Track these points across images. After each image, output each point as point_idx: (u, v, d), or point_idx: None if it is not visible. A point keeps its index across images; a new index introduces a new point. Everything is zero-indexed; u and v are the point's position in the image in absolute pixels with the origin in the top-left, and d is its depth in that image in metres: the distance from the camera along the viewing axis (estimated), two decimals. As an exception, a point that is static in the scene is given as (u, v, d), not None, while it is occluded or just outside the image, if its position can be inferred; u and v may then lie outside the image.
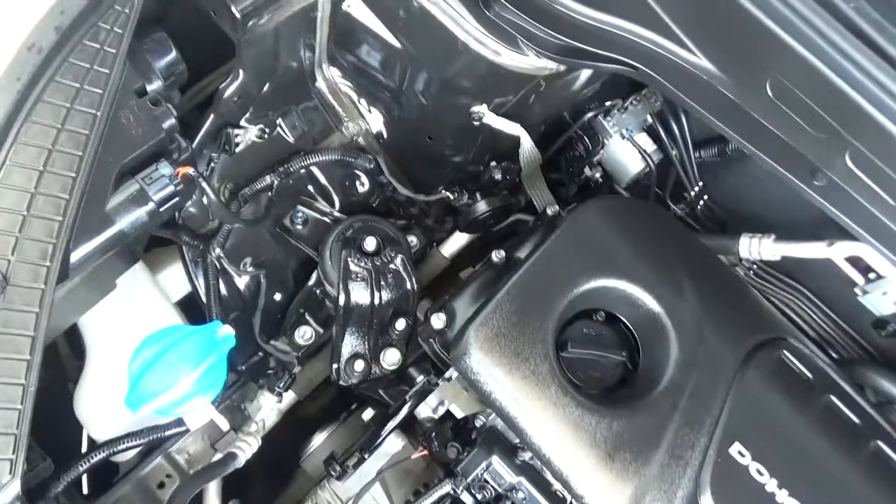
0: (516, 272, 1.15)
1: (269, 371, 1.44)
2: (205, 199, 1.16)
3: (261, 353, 1.51)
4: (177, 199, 1.05)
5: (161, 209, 1.03)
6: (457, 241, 1.66)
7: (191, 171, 1.07)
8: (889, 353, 1.56)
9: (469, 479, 1.13)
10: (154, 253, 1.47)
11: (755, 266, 1.62)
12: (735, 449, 1.09)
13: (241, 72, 1.28)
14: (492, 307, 1.12)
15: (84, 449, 1.35)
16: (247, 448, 1.32)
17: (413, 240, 1.52)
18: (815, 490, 1.09)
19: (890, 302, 1.45)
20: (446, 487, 1.13)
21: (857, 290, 1.50)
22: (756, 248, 1.51)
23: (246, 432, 1.36)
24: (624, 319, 1.21)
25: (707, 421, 1.10)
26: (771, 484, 1.08)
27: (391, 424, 1.25)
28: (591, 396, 1.12)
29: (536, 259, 1.17)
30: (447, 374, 1.22)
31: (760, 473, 1.08)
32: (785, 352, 1.20)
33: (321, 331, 1.48)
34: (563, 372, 1.12)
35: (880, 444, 1.18)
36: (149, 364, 0.95)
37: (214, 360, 0.98)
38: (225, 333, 1.02)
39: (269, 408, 1.42)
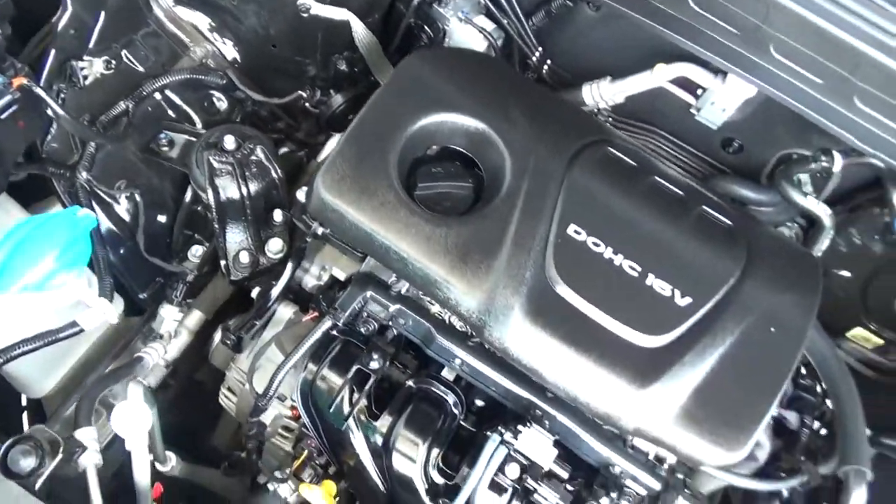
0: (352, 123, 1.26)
1: (164, 284, 1.52)
2: (50, 112, 1.23)
3: (159, 279, 1.60)
4: (15, 107, 1.12)
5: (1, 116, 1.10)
6: (330, 148, 1.76)
7: (25, 80, 1.14)
8: (739, 167, 1.72)
9: (347, 313, 1.23)
10: (32, 207, 1.53)
11: (610, 118, 1.76)
12: (572, 229, 1.22)
13: (68, 2, 1.35)
14: (333, 156, 1.23)
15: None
16: (153, 353, 1.40)
17: (284, 149, 1.62)
18: (647, 250, 1.22)
19: (719, 111, 1.61)
20: (327, 323, 1.23)
21: (693, 112, 1.66)
22: (597, 92, 1.65)
23: (152, 340, 1.44)
24: (464, 151, 1.33)
25: (544, 213, 1.23)
26: (608, 252, 1.21)
27: (276, 289, 1.35)
28: (440, 215, 1.24)
29: (369, 107, 1.28)
30: (313, 227, 1.32)
31: (597, 245, 1.22)
32: (610, 148, 1.34)
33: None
34: (410, 197, 1.23)
35: (705, 208, 1.32)
36: (14, 246, 1.02)
37: (76, 237, 1.06)
38: (85, 214, 1.10)
39: (171, 318, 1.50)
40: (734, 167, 1.72)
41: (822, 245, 1.53)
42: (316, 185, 1.21)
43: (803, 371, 1.50)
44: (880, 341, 1.75)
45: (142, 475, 1.15)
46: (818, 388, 1.47)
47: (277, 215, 1.46)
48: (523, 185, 1.25)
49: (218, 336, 1.45)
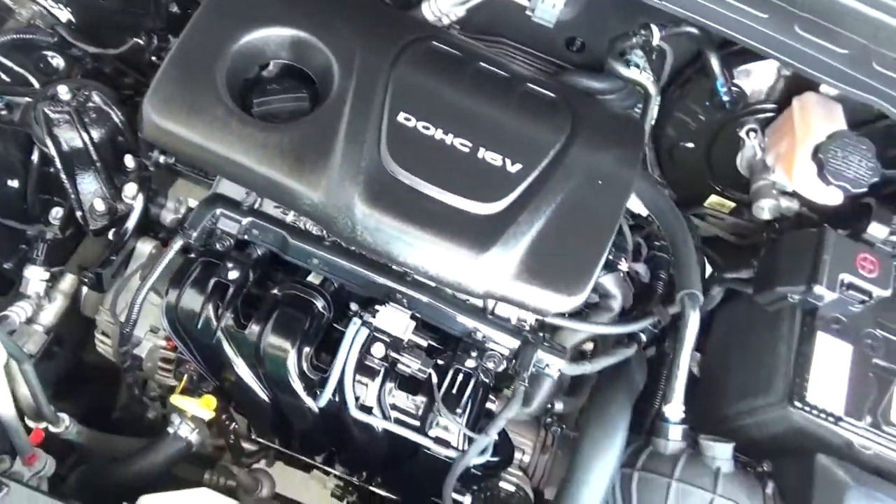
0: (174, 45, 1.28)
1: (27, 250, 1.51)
2: None
3: (23, 247, 1.58)
4: None
5: None
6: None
7: None
8: (587, 64, 1.80)
9: (198, 231, 1.26)
10: None
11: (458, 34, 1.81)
12: (402, 117, 1.28)
13: None
14: (157, 79, 1.24)
15: None
16: (19, 311, 1.40)
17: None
18: (475, 128, 1.29)
19: (549, 7, 1.68)
20: (178, 242, 1.25)
21: (528, 14, 1.72)
22: (436, 7, 1.70)
23: (20, 300, 1.44)
24: (294, 63, 1.37)
25: (373, 106, 1.28)
26: (438, 133, 1.28)
27: (130, 222, 1.36)
28: (273, 123, 1.27)
29: (189, 28, 1.29)
30: (153, 156, 1.34)
31: (427, 129, 1.28)
32: (434, 42, 1.40)
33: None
34: (240, 110, 1.26)
35: (529, 85, 1.40)
36: None
37: None
38: None
39: (36, 279, 1.50)
40: (583, 65, 1.81)
41: (653, 112, 1.63)
42: (144, 109, 1.22)
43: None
44: (732, 203, 1.89)
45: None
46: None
47: (129, 160, 1.47)
48: (351, 83, 1.29)
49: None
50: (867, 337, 1.32)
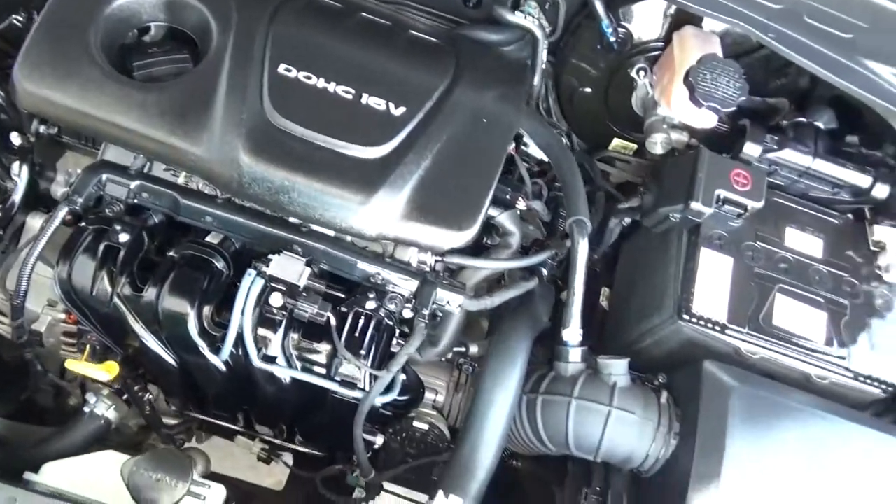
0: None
1: None
2: None
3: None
4: None
5: None
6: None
7: None
8: (482, 19, 1.83)
9: (83, 197, 1.25)
10: None
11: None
12: (282, 69, 1.28)
13: None
14: (26, 46, 1.22)
15: None
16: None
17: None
18: (358, 75, 1.31)
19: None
20: (62, 210, 1.24)
21: (419, -32, 1.74)
22: None
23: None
24: (172, 24, 1.36)
25: (253, 60, 1.28)
26: (320, 82, 1.29)
27: (15, 197, 1.34)
28: (151, 83, 1.27)
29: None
30: (33, 127, 1.32)
31: (309, 78, 1.29)
32: (313, -4, 1.41)
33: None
34: (117, 70, 1.25)
35: (412, 31, 1.42)
36: None
37: None
38: None
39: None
40: (480, 20, 1.83)
41: (543, 56, 1.67)
42: (14, 77, 1.20)
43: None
44: (633, 144, 1.96)
45: None
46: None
47: (14, 138, 1.43)
48: (229, 39, 1.29)
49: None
50: (748, 249, 1.39)
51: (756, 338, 1.32)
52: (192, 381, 1.41)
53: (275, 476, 2.06)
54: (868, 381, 1.33)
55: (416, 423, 1.43)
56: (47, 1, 1.26)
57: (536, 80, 1.68)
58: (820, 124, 1.54)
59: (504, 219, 1.42)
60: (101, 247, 1.24)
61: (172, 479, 1.01)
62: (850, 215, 1.53)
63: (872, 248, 1.45)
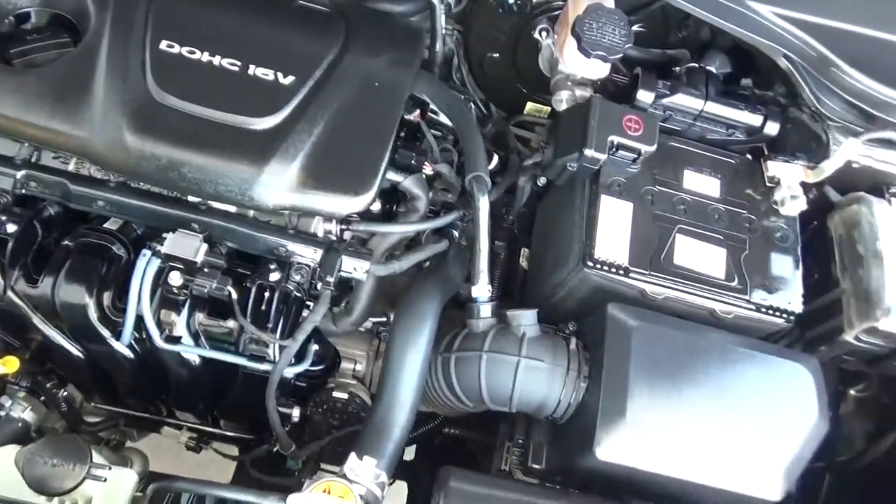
0: None
1: None
2: None
3: None
4: None
5: None
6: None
7: None
8: None
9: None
10: None
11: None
12: (164, 45, 1.27)
13: None
14: None
15: None
16: None
17: None
18: (243, 47, 1.30)
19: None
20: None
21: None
22: None
23: None
24: (49, 8, 1.33)
25: (133, 37, 1.26)
26: (205, 56, 1.28)
27: None
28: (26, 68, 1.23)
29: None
30: None
31: (192, 53, 1.27)
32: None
33: None
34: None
35: (300, 2, 1.41)
36: None
37: None
38: None
39: None
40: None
41: (442, 21, 1.67)
42: None
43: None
44: (547, 107, 1.98)
45: None
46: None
47: None
48: (107, 18, 1.27)
49: None
50: (647, 194, 1.42)
51: (659, 278, 1.35)
52: (103, 372, 1.38)
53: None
54: (770, 311, 1.37)
55: (336, 394, 1.43)
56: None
57: (438, 46, 1.69)
58: (712, 69, 1.57)
59: (409, 183, 1.42)
60: (-13, 240, 1.21)
61: (69, 463, 0.99)
62: (748, 155, 1.58)
63: (768, 183, 1.49)
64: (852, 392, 1.64)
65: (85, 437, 1.37)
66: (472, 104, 1.86)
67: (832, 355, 1.47)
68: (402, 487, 1.84)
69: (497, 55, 1.95)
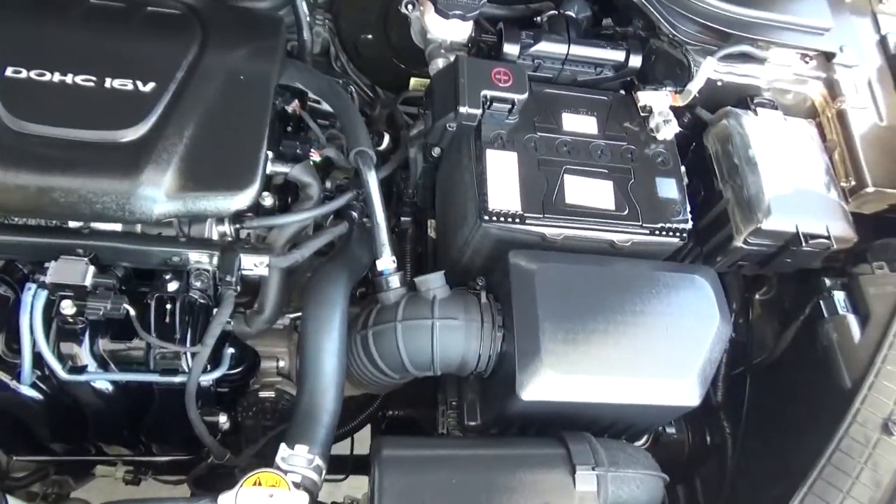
0: None
1: None
2: None
3: None
4: None
5: None
6: None
7: None
8: None
9: None
10: None
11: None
12: (10, 72, 1.22)
13: None
14: None
15: None
16: None
17: None
18: (95, 61, 1.26)
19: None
20: None
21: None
22: None
23: None
24: None
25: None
26: (56, 77, 1.23)
27: None
28: None
29: None
30: None
31: (42, 75, 1.23)
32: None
33: None
34: None
35: (150, 8, 1.38)
36: None
37: None
38: None
39: None
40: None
41: (304, 9, 1.66)
42: None
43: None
44: (428, 79, 1.99)
45: None
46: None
47: None
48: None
49: None
50: (529, 142, 1.46)
51: (554, 220, 1.38)
52: (16, 420, 1.33)
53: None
54: (663, 233, 1.43)
55: (262, 394, 1.42)
56: None
57: (306, 35, 1.69)
58: (572, 14, 1.63)
59: (297, 172, 1.42)
60: None
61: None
62: (622, 91, 1.64)
63: (642, 113, 1.56)
64: (757, 296, 1.73)
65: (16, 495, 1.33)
66: (351, 86, 1.86)
67: (729, 263, 1.55)
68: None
69: (370, 36, 1.96)
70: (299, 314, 1.53)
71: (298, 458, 1.12)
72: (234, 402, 1.42)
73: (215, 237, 1.34)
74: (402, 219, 1.78)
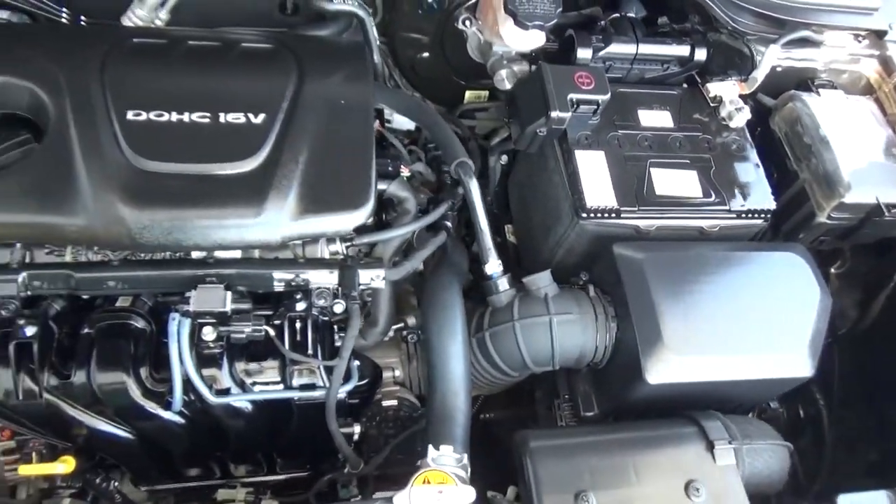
0: None
1: None
2: None
3: None
4: None
5: None
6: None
7: None
8: (305, 22, 1.86)
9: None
10: None
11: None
12: (131, 115, 1.27)
13: None
14: None
15: None
16: None
17: None
18: (206, 98, 1.32)
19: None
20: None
21: (229, -9, 1.74)
22: (134, 17, 1.65)
23: None
24: (8, 111, 1.31)
25: (98, 115, 1.26)
26: (173, 116, 1.29)
27: None
28: None
29: None
30: None
31: (161, 116, 1.29)
32: (134, 40, 1.39)
33: None
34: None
35: (244, 44, 1.44)
36: None
37: None
38: None
39: None
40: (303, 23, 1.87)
41: (374, 32, 1.73)
42: None
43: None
44: (484, 91, 2.06)
45: None
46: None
47: None
48: (66, 104, 1.26)
49: None
50: (612, 139, 1.52)
51: (647, 211, 1.45)
52: (157, 446, 1.37)
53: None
54: (749, 215, 1.50)
55: (385, 403, 1.46)
56: None
57: (375, 57, 1.75)
58: (632, 14, 1.70)
59: (394, 188, 1.47)
60: (12, 347, 1.19)
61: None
62: (685, 85, 1.71)
63: (712, 104, 1.62)
64: (833, 270, 1.79)
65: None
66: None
67: (811, 239, 1.61)
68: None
69: (426, 55, 2.03)
70: (400, 325, 1.58)
71: (447, 458, 1.17)
72: (358, 412, 1.46)
73: (327, 255, 1.39)
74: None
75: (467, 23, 1.78)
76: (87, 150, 1.23)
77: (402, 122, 1.78)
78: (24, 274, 1.24)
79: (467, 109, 2.05)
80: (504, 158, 1.86)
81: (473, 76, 1.97)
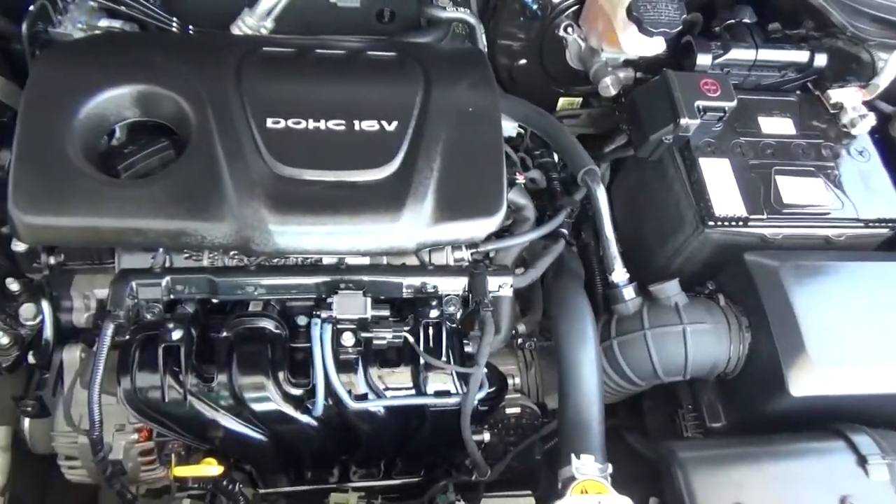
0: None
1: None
2: None
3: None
4: None
5: None
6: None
7: None
8: (402, 29, 1.88)
9: (123, 310, 1.20)
10: None
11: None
12: (270, 123, 1.29)
13: None
14: (11, 182, 1.17)
15: None
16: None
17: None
18: (341, 106, 1.33)
19: (350, -13, 1.74)
20: (109, 327, 1.18)
21: (333, 2, 1.76)
22: (244, 26, 1.69)
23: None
24: (143, 118, 1.34)
25: (238, 123, 1.28)
26: (310, 124, 1.30)
27: (48, 334, 1.30)
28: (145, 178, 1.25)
29: (21, 121, 1.23)
30: (42, 261, 1.28)
31: (298, 123, 1.30)
32: (265, 48, 1.42)
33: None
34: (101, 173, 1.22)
35: (369, 53, 1.46)
36: None
37: None
38: None
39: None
40: (401, 30, 1.88)
41: (483, 40, 1.74)
42: (11, 215, 1.16)
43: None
44: (578, 98, 2.05)
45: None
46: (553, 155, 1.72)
47: (11, 284, 1.37)
48: (208, 112, 1.28)
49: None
50: (735, 147, 1.50)
51: (775, 220, 1.42)
52: (288, 448, 1.38)
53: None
54: (876, 224, 1.46)
55: (508, 410, 1.46)
56: (16, 132, 1.22)
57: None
58: (747, 20, 1.68)
59: (514, 195, 1.47)
60: (160, 351, 1.21)
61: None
62: (798, 92, 1.68)
63: (832, 110, 1.59)
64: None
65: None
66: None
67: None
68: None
69: (524, 62, 2.02)
70: (513, 332, 1.58)
71: (589, 467, 1.16)
72: (483, 419, 1.46)
73: (452, 263, 1.40)
74: (581, 234, 1.83)
75: (569, 30, 1.78)
76: (231, 157, 1.25)
77: (505, 129, 1.79)
78: (167, 278, 1.26)
79: (559, 116, 2.05)
80: (602, 165, 1.84)
81: (569, 83, 1.97)
